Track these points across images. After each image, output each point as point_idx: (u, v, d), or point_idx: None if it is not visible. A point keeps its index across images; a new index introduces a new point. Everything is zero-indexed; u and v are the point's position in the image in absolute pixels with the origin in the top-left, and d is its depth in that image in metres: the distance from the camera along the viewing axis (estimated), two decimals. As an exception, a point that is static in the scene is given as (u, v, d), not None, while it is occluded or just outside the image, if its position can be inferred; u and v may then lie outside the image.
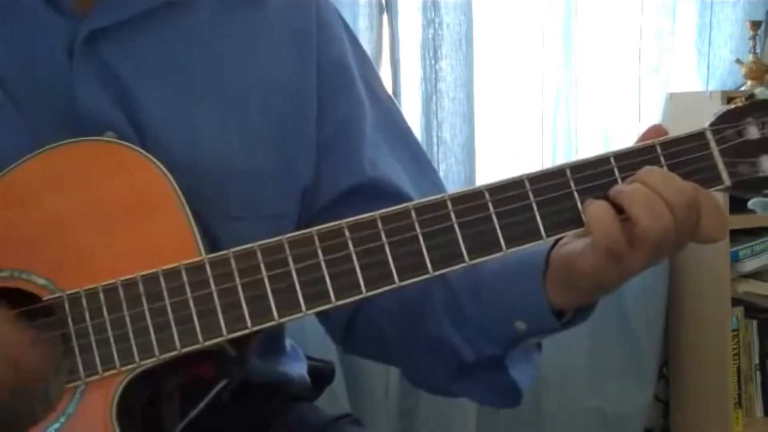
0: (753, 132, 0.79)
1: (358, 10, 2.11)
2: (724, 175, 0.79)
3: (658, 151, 0.78)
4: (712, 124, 0.80)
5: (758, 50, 2.22)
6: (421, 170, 1.02)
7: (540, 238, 0.77)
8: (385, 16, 2.16)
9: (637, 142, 0.80)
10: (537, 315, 0.83)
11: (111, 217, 0.80)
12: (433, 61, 2.16)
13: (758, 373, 2.25)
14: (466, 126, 2.19)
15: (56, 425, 0.77)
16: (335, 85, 0.97)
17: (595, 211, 0.76)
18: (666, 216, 0.74)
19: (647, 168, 0.77)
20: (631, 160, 0.78)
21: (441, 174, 2.17)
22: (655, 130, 0.80)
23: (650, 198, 0.75)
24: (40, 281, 0.79)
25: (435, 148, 2.19)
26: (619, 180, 0.77)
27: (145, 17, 0.89)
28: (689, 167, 0.78)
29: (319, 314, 0.97)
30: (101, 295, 0.77)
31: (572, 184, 0.78)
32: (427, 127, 2.18)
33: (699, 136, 0.79)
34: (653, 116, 2.27)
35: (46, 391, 0.78)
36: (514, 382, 0.90)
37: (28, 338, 0.76)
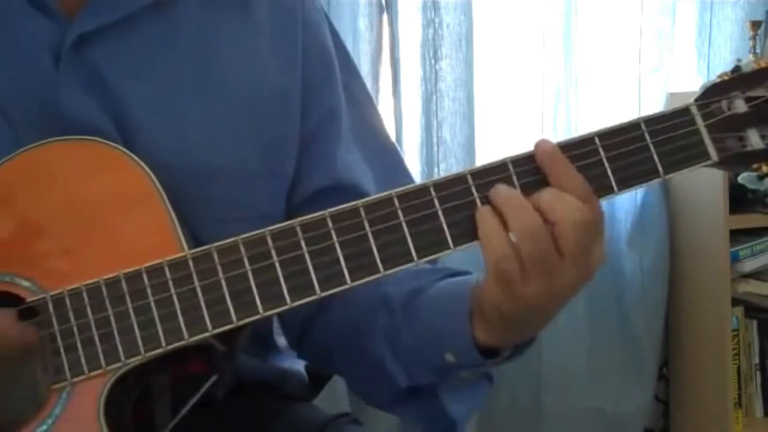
0: (740, 105, 0.77)
1: (358, 10, 2.11)
2: (712, 150, 0.77)
3: (644, 128, 0.77)
4: (697, 99, 0.78)
5: (758, 50, 2.21)
6: (389, 174, 1.00)
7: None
8: (385, 16, 2.15)
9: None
10: (463, 348, 0.81)
11: (93, 216, 0.80)
12: (433, 61, 2.16)
13: (758, 373, 2.24)
14: (466, 126, 2.18)
15: (43, 427, 0.77)
16: (318, 85, 0.97)
17: (485, 227, 0.74)
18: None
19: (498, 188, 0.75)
20: (614, 140, 0.77)
21: (441, 174, 2.17)
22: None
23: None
24: (23, 283, 0.79)
25: (435, 148, 2.18)
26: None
27: (131, 19, 0.88)
28: (675, 144, 0.77)
29: (278, 316, 0.97)
30: (85, 295, 0.77)
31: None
32: (427, 127, 2.17)
33: (684, 111, 0.78)
34: (653, 116, 2.26)
35: (35, 390, 0.78)
36: (448, 413, 0.88)
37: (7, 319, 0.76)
